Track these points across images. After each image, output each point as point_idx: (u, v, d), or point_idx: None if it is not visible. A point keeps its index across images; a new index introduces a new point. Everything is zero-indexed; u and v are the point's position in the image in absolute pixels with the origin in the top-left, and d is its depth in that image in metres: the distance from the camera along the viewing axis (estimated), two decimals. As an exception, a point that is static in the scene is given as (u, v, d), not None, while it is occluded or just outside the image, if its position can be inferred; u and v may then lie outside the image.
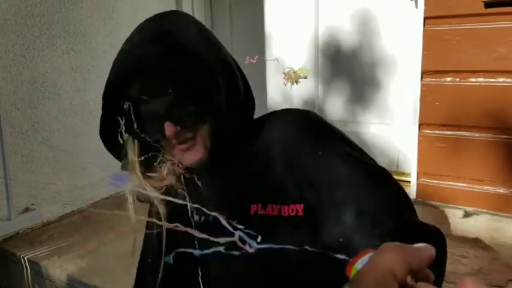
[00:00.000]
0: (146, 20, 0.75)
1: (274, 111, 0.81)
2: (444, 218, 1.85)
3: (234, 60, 0.79)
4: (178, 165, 0.77)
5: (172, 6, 2.66)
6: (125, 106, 0.71)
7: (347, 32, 2.39)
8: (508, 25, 1.74)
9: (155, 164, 0.77)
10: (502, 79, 1.79)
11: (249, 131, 0.78)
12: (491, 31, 1.77)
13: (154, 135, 0.72)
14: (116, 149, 0.77)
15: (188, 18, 0.78)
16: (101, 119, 0.75)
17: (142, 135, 0.72)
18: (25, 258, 1.71)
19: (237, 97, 0.75)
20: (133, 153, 0.76)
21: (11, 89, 1.86)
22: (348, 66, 2.42)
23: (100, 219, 2.05)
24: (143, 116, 0.71)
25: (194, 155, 0.73)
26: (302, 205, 0.69)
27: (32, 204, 1.97)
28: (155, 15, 0.76)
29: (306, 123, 0.78)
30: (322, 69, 2.50)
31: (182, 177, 0.78)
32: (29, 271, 1.72)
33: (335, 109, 2.50)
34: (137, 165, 0.77)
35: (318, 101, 2.54)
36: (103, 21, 2.25)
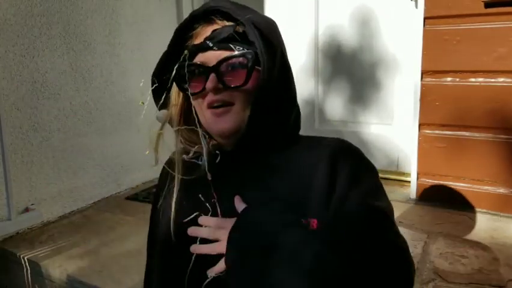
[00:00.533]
0: None
1: (326, 137, 0.82)
2: (444, 218, 1.85)
3: None
4: (208, 139, 0.79)
5: (172, 6, 2.66)
6: (185, 52, 0.75)
7: (347, 32, 2.39)
8: (508, 25, 1.74)
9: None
10: (502, 79, 1.80)
11: (293, 141, 0.79)
12: (491, 31, 1.78)
13: (196, 88, 0.74)
14: (159, 98, 0.82)
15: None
16: (158, 63, 0.80)
17: (186, 85, 0.75)
18: (25, 258, 1.71)
19: (289, 91, 0.78)
20: (175, 103, 0.81)
21: (11, 89, 1.86)
22: (348, 66, 2.42)
23: (100, 219, 2.05)
24: (194, 66, 0.74)
25: (226, 122, 0.74)
26: (316, 220, 0.69)
27: (32, 204, 1.97)
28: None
29: (354, 151, 0.79)
30: (322, 69, 2.50)
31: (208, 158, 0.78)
32: (29, 271, 1.72)
33: (334, 109, 2.50)
34: (175, 118, 0.81)
35: (318, 101, 2.54)
36: (103, 21, 2.25)
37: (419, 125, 2.00)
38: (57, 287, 1.62)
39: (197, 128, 0.77)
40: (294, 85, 0.80)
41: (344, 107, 2.46)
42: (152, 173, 2.61)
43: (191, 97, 0.76)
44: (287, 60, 0.79)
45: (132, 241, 1.80)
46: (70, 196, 2.14)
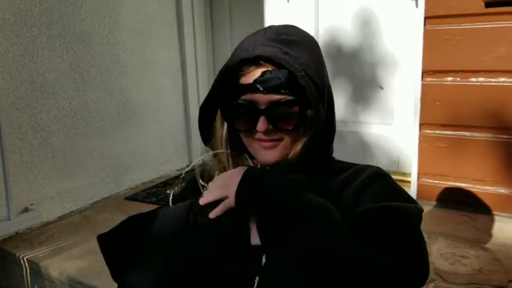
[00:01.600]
0: (277, 26, 0.82)
1: (358, 164, 0.87)
2: (445, 218, 1.84)
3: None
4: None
5: (171, 7, 2.66)
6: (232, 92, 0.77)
7: (347, 32, 2.38)
8: (509, 25, 1.74)
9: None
10: (502, 79, 1.79)
11: (331, 168, 0.84)
12: (491, 31, 1.77)
13: (244, 126, 0.79)
14: (207, 131, 0.86)
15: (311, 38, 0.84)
16: (207, 97, 0.82)
17: (236, 123, 0.80)
18: (25, 258, 1.71)
19: (331, 126, 0.82)
20: (220, 139, 0.85)
21: (11, 89, 1.86)
22: (349, 65, 2.41)
23: (100, 220, 2.05)
24: (243, 104, 0.77)
25: (274, 156, 0.79)
26: None
27: (32, 204, 1.97)
28: (286, 25, 0.82)
29: (383, 178, 0.86)
30: (322, 69, 2.50)
31: None
32: (28, 271, 1.71)
33: (335, 109, 2.49)
34: (223, 144, 0.85)
35: (318, 101, 2.53)
36: (103, 21, 2.25)
37: (420, 125, 2.00)
38: (57, 287, 1.62)
39: (243, 153, 0.83)
40: (334, 110, 0.85)
41: (344, 107, 2.46)
42: (152, 173, 2.61)
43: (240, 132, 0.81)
44: (331, 92, 0.83)
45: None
46: (69, 196, 2.14)
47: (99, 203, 2.27)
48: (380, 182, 0.83)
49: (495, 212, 1.87)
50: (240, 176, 0.70)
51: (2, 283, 1.84)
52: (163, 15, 2.60)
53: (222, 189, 0.72)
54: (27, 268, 1.71)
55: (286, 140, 0.78)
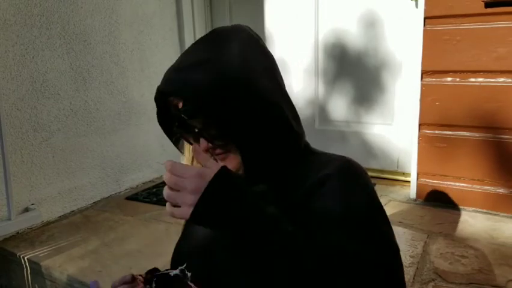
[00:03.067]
0: (199, 40, 0.81)
1: (328, 156, 0.84)
2: (444, 218, 1.85)
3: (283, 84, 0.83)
4: None
5: (171, 7, 2.66)
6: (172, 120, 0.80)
7: (346, 32, 2.39)
8: (508, 25, 1.74)
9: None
10: (502, 79, 1.79)
11: (298, 162, 0.81)
12: (491, 31, 1.77)
13: (195, 142, 0.80)
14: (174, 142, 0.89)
15: (243, 39, 0.80)
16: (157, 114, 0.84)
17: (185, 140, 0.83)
18: (25, 258, 1.71)
19: (280, 130, 0.78)
20: (187, 150, 0.88)
21: (11, 89, 1.86)
22: (348, 66, 2.42)
23: (100, 219, 2.05)
24: (183, 130, 0.80)
25: (228, 165, 0.74)
26: None
27: (32, 204, 1.97)
28: (210, 33, 0.81)
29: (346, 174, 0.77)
30: (322, 68, 2.50)
31: None
32: (29, 271, 1.72)
33: (335, 109, 2.50)
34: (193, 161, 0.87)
35: (318, 101, 2.54)
36: (103, 21, 2.25)
37: (419, 125, 2.00)
38: (58, 287, 1.62)
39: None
40: (287, 97, 0.81)
41: (344, 107, 2.46)
42: (152, 173, 2.62)
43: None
44: (276, 92, 0.79)
45: (132, 241, 1.80)
46: (69, 196, 2.14)
47: (100, 203, 2.27)
48: (335, 184, 0.74)
49: (495, 212, 1.87)
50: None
51: (3, 283, 1.85)
52: (163, 15, 2.61)
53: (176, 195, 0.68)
54: (28, 268, 1.71)
55: (233, 152, 0.78)
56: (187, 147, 0.87)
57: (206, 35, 0.81)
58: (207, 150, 0.77)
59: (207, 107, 0.73)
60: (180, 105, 0.76)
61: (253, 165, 0.76)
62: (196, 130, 0.77)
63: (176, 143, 0.88)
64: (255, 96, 0.76)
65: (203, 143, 0.77)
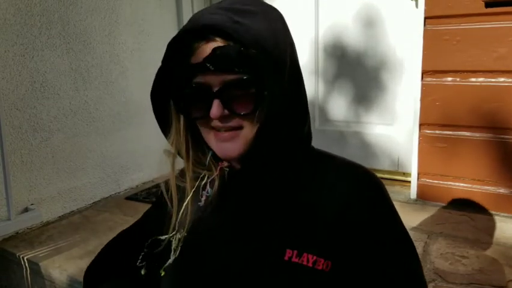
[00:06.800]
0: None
1: (344, 160, 0.76)
2: (445, 218, 1.84)
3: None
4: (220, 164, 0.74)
5: (171, 7, 2.66)
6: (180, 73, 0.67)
7: (346, 32, 2.39)
8: (509, 25, 1.74)
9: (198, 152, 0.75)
10: (502, 79, 1.79)
11: (304, 162, 0.72)
12: (491, 31, 1.77)
13: (198, 113, 0.68)
14: (163, 122, 0.75)
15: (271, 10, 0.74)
16: (155, 81, 0.71)
17: (187, 111, 0.69)
18: (25, 258, 1.71)
19: (299, 105, 0.70)
20: (178, 132, 0.73)
21: (11, 89, 1.86)
22: (348, 66, 2.41)
23: (100, 220, 2.05)
24: (194, 88, 0.66)
25: (234, 149, 0.68)
26: (330, 262, 0.66)
27: (32, 204, 1.97)
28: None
29: (374, 192, 0.73)
30: (322, 68, 2.50)
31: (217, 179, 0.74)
32: (28, 271, 1.71)
33: (335, 109, 2.50)
34: (182, 147, 0.74)
35: (318, 101, 2.54)
36: (103, 21, 2.25)
37: (420, 125, 2.00)
38: (57, 287, 1.62)
39: (205, 153, 0.75)
40: (305, 89, 0.73)
41: (344, 107, 2.46)
42: (152, 173, 2.61)
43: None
44: (297, 63, 0.72)
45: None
46: (69, 196, 2.14)
47: (99, 203, 2.27)
48: (378, 218, 0.70)
49: (495, 212, 1.87)
50: None
51: (2, 283, 1.85)
52: (163, 15, 2.60)
53: None
54: (28, 268, 1.71)
55: (246, 128, 0.67)
56: (178, 124, 0.74)
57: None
58: (219, 118, 0.66)
59: (262, 58, 0.62)
60: (209, 49, 0.63)
61: (264, 148, 0.67)
62: (217, 89, 0.65)
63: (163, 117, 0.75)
64: (298, 68, 0.71)
65: (217, 108, 0.65)
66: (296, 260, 0.65)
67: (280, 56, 0.66)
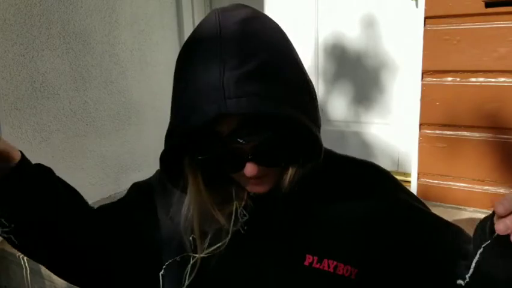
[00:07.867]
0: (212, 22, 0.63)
1: (362, 162, 0.79)
2: (445, 219, 1.84)
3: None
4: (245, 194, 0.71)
5: (171, 7, 2.66)
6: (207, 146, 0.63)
7: (346, 32, 2.38)
8: (509, 25, 1.74)
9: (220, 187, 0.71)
10: (502, 79, 1.79)
11: (322, 171, 0.71)
12: (491, 31, 1.77)
13: (230, 170, 0.66)
14: (174, 174, 0.72)
15: (269, 23, 0.72)
16: (167, 141, 0.67)
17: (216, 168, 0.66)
18: (24, 258, 1.71)
19: (317, 119, 0.72)
20: (198, 192, 0.69)
21: (10, 89, 1.86)
22: (348, 66, 2.41)
23: (100, 220, 2.05)
24: (223, 154, 0.63)
25: (263, 187, 0.68)
26: (357, 270, 0.66)
27: (32, 205, 1.96)
28: (217, 12, 0.64)
29: (393, 188, 0.76)
30: (322, 68, 2.50)
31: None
32: (28, 271, 1.71)
33: (335, 109, 2.50)
34: (204, 194, 0.69)
35: (319, 101, 2.52)
36: (103, 21, 2.25)
37: (420, 125, 2.00)
38: (57, 287, 1.62)
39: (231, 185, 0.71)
40: (315, 93, 0.74)
41: (344, 107, 2.46)
42: (152, 173, 2.61)
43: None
44: (311, 85, 0.73)
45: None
46: (69, 196, 2.14)
47: (99, 203, 2.26)
48: (402, 198, 0.74)
49: (495, 212, 1.87)
50: None
51: (2, 283, 1.84)
52: (163, 15, 2.60)
53: None
54: (28, 268, 1.71)
55: (276, 170, 0.68)
56: (195, 179, 0.70)
57: (236, 30, 0.63)
58: (256, 175, 0.63)
59: (283, 122, 0.60)
60: (228, 126, 0.60)
61: (293, 180, 0.67)
62: (250, 157, 0.62)
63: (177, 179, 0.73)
64: (305, 74, 0.70)
65: (252, 168, 0.62)
66: (317, 266, 0.66)
67: (304, 96, 0.67)
